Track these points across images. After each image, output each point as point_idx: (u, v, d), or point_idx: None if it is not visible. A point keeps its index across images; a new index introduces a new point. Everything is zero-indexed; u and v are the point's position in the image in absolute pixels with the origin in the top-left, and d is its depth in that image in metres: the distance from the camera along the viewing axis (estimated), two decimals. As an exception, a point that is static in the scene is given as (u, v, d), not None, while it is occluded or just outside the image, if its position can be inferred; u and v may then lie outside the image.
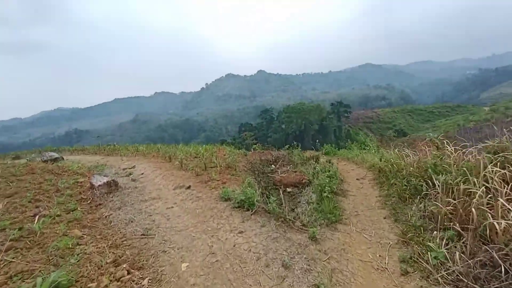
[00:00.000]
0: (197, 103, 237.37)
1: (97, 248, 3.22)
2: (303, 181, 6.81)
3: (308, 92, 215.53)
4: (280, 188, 6.82)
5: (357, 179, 7.31)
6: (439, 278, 2.74)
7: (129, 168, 8.14)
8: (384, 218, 4.42)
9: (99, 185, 5.27)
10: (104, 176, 5.82)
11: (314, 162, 9.36)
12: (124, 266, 2.87)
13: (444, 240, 3.17)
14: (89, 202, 4.90)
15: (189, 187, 5.37)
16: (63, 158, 11.92)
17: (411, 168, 5.32)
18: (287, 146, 13.35)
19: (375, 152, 11.83)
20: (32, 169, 7.21)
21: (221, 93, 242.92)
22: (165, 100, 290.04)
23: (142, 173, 7.20)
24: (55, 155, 11.87)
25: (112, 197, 5.17)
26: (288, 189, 6.58)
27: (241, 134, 70.29)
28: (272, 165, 9.55)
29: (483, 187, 3.33)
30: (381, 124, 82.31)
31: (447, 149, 4.86)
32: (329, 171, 6.91)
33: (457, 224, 3.26)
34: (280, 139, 60.06)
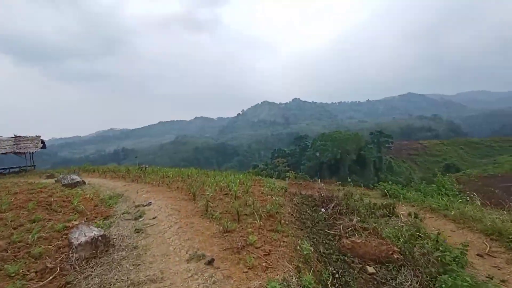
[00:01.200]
0: (232, 128, 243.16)
1: None
2: (392, 254, 4.26)
3: (345, 120, 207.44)
4: (353, 262, 4.35)
5: (478, 254, 4.49)
6: None
7: (143, 206, 6.40)
8: None
9: (79, 245, 3.44)
10: (92, 227, 3.99)
11: (387, 213, 6.66)
12: None
13: None
14: (52, 277, 3.02)
15: (211, 262, 3.25)
16: (84, 183, 10.85)
17: None
18: (338, 182, 10.84)
19: (456, 198, 8.61)
20: (26, 201, 5.82)
21: (256, 119, 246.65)
22: (203, 124, 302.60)
23: (155, 217, 5.34)
24: (77, 178, 10.86)
25: (92, 268, 3.26)
26: (369, 269, 4.09)
27: (273, 160, 67.82)
28: (322, 209, 7.14)
29: None
30: (428, 157, 73.17)
31: None
32: (435, 240, 4.22)
33: None
34: (313, 168, 56.15)
